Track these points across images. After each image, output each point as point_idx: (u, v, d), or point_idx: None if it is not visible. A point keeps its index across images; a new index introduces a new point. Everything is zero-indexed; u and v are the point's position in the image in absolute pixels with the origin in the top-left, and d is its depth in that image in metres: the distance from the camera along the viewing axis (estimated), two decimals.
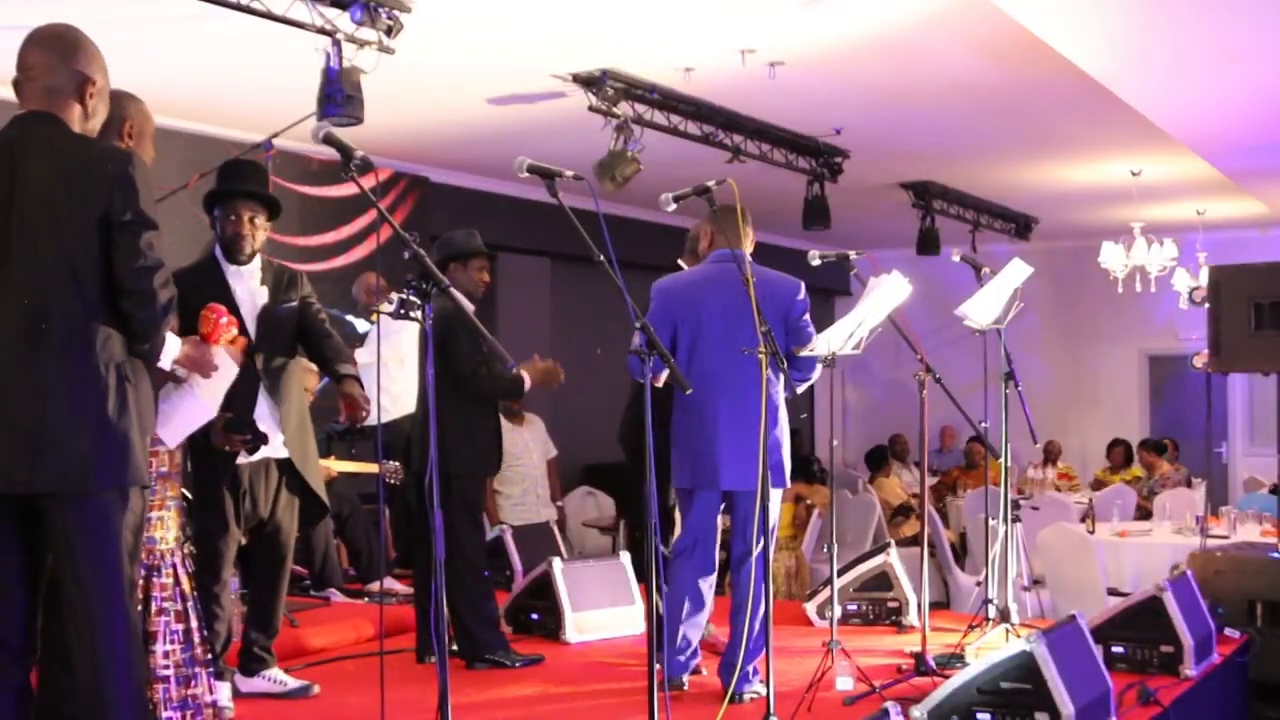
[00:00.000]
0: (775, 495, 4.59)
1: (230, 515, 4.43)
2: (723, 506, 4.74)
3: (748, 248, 4.70)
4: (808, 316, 4.71)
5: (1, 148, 3.01)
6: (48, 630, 3.10)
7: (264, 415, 4.41)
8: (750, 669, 4.58)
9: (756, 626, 4.43)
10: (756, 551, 4.50)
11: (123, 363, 3.02)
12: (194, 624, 3.80)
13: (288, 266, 4.74)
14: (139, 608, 3.41)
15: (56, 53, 3.07)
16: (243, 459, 4.38)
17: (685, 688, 4.71)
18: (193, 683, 3.75)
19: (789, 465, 4.67)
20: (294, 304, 4.57)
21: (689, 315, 4.67)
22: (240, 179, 4.59)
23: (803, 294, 4.73)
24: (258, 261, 4.52)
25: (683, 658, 4.72)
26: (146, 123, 3.74)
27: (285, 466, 4.53)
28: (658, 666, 3.44)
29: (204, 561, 4.31)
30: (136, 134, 3.68)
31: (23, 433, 2.90)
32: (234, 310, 4.15)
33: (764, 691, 4.37)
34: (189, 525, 4.26)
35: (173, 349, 3.33)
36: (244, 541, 4.63)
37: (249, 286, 4.47)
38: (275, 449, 4.45)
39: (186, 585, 3.83)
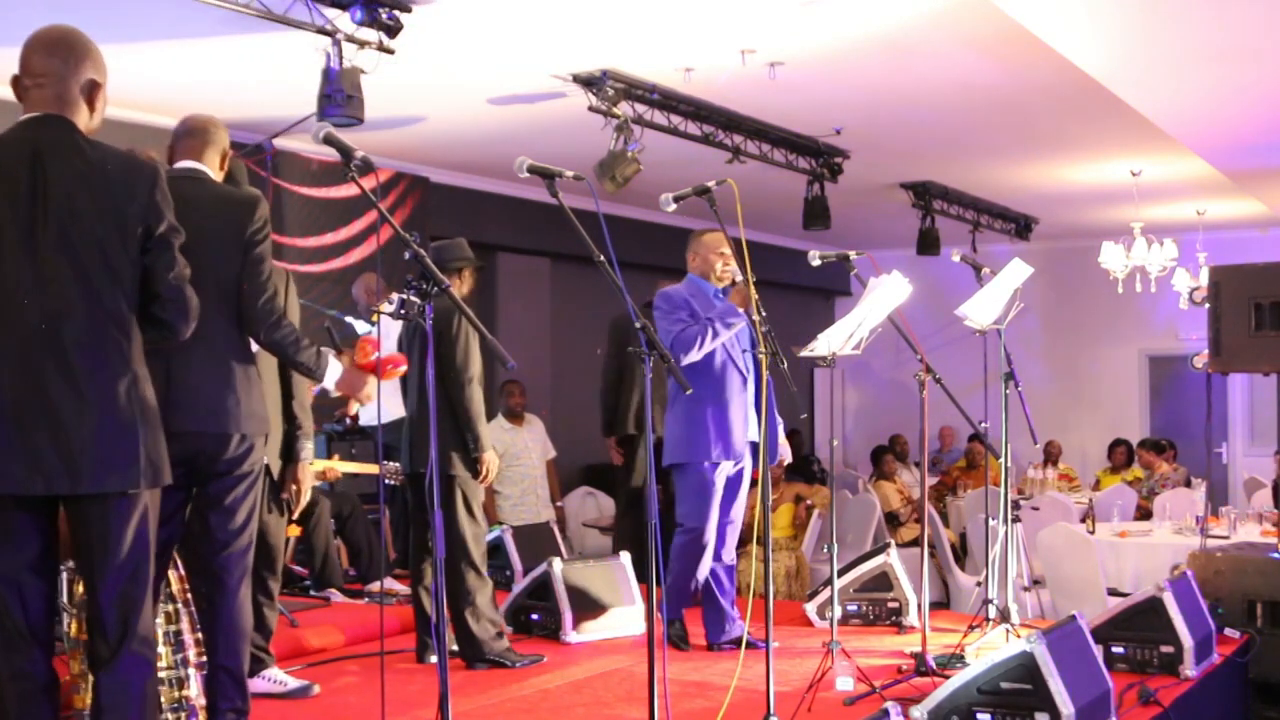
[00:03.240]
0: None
1: None
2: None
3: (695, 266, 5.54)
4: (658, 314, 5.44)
5: (24, 149, 3.00)
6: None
7: None
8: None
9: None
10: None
11: (143, 366, 3.07)
12: (185, 625, 3.80)
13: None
14: None
15: (69, 60, 3.08)
16: None
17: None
18: (185, 685, 3.76)
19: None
20: None
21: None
22: None
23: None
24: None
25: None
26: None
27: (267, 467, 4.52)
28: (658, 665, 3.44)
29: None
30: (228, 162, 3.94)
31: (69, 434, 2.92)
32: None
33: (738, 632, 5.36)
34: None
35: (334, 373, 3.83)
36: None
37: None
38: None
39: (177, 587, 3.83)
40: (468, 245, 5.42)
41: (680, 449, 5.39)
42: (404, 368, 4.39)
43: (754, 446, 5.51)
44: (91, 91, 3.11)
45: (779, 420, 5.65)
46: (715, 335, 5.24)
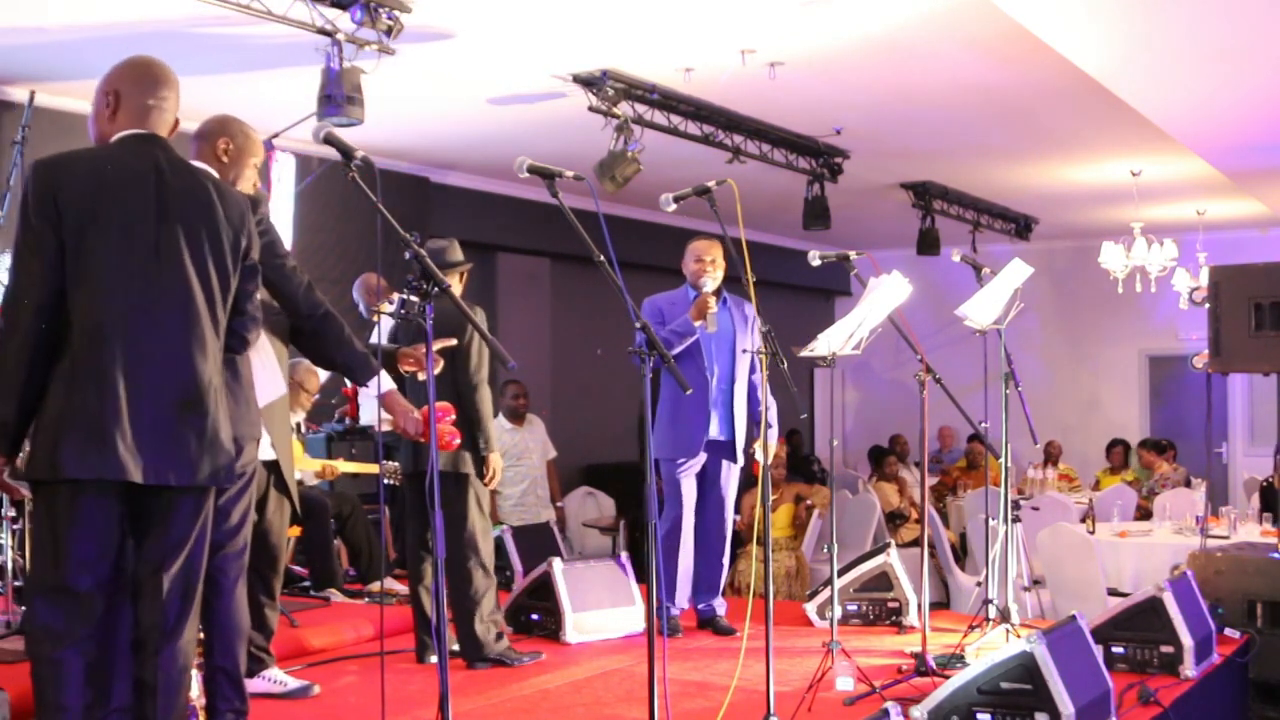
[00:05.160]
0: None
1: None
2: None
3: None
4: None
5: (147, 162, 3.16)
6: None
7: None
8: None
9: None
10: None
11: None
12: None
13: None
14: None
15: (173, 91, 3.31)
16: None
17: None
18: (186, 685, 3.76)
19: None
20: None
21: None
22: None
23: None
24: None
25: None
26: (248, 144, 3.96)
27: (272, 467, 4.52)
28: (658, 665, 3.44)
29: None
30: (233, 154, 3.92)
31: (188, 430, 3.10)
32: None
33: (720, 610, 5.97)
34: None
35: (386, 382, 4.04)
36: None
37: None
38: (264, 450, 4.42)
39: None
40: (458, 246, 5.39)
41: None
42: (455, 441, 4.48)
43: (724, 444, 5.79)
44: (175, 125, 3.34)
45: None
46: (669, 347, 5.49)
